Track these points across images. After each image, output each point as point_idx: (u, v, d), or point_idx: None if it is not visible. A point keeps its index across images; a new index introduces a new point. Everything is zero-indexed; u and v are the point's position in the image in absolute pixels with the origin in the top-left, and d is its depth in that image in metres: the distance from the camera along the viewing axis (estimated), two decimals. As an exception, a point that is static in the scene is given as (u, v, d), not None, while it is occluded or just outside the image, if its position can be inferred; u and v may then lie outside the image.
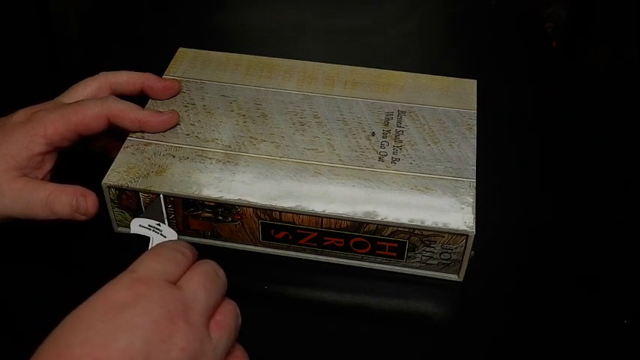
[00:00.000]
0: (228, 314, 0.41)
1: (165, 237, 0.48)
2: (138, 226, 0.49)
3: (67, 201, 0.51)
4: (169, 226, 0.54)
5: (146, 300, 0.38)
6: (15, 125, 0.53)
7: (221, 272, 0.42)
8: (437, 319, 0.53)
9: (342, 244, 0.53)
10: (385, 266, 0.55)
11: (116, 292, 0.38)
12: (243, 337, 0.51)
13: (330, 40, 0.80)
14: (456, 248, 0.52)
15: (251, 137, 0.57)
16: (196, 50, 0.66)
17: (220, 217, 0.54)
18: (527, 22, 0.85)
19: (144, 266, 0.40)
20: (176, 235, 0.48)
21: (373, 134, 0.58)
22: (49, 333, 0.49)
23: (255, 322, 0.52)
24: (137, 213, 0.54)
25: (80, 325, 0.37)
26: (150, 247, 0.48)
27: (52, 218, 0.52)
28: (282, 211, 0.52)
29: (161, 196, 0.52)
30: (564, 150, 0.67)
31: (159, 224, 0.49)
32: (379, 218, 0.51)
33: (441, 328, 0.53)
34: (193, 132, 0.57)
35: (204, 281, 0.40)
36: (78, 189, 0.52)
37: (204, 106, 0.60)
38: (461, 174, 0.55)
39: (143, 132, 0.57)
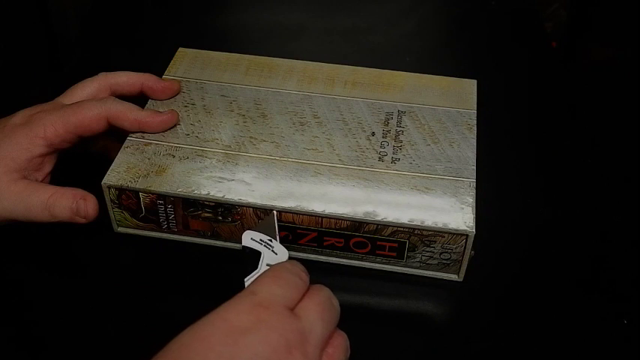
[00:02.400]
0: (339, 347, 0.40)
1: (276, 254, 0.48)
2: (250, 239, 0.49)
3: (67, 204, 0.51)
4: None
5: (266, 327, 0.37)
6: (15, 127, 0.53)
7: (336, 302, 0.41)
8: (437, 319, 0.53)
9: (342, 244, 0.53)
10: (385, 266, 0.55)
11: (237, 314, 0.38)
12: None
13: (330, 40, 0.80)
14: (456, 248, 0.52)
15: (251, 137, 0.57)
16: (196, 50, 0.66)
17: (220, 217, 0.54)
18: (527, 22, 0.85)
19: (265, 289, 0.39)
20: (287, 253, 0.48)
21: (373, 134, 0.58)
22: (49, 333, 0.50)
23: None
24: (137, 213, 0.55)
25: (199, 346, 0.37)
26: (260, 262, 0.47)
27: (52, 221, 0.52)
28: (282, 211, 0.52)
29: (275, 212, 0.52)
30: (564, 150, 0.67)
31: (271, 240, 0.49)
32: (379, 218, 0.51)
33: (441, 328, 0.53)
34: (193, 132, 0.57)
35: (321, 311, 0.40)
36: (78, 192, 0.52)
37: (204, 106, 0.60)
38: (461, 174, 0.55)
39: (143, 132, 0.57)
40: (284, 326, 0.38)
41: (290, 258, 0.47)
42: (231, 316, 0.38)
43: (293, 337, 0.37)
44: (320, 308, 0.40)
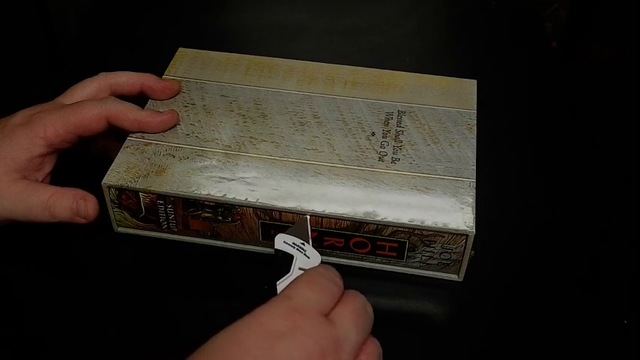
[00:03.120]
0: (372, 355, 0.40)
1: (308, 258, 0.48)
2: (282, 242, 0.49)
3: (67, 204, 0.51)
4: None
5: (302, 333, 0.37)
6: (15, 127, 0.53)
7: (370, 308, 0.41)
8: (437, 319, 0.53)
9: (342, 244, 0.53)
10: (385, 266, 0.55)
11: (272, 318, 0.38)
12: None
13: (330, 40, 0.80)
14: (456, 248, 0.52)
15: (251, 137, 0.57)
16: (196, 50, 0.66)
17: (220, 217, 0.54)
18: (527, 22, 0.85)
19: (300, 294, 0.39)
20: (320, 257, 0.48)
21: (373, 134, 0.58)
22: (49, 333, 0.50)
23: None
24: (137, 213, 0.55)
25: (235, 350, 0.37)
26: (292, 266, 0.47)
27: (52, 221, 0.52)
28: (282, 211, 0.52)
29: (307, 217, 0.52)
30: (564, 150, 0.67)
31: (303, 244, 0.49)
32: (379, 218, 0.51)
33: (441, 328, 0.53)
34: (193, 132, 0.57)
35: (355, 318, 0.40)
36: (78, 192, 0.52)
37: (204, 106, 0.60)
38: (461, 174, 0.55)
39: (143, 132, 0.57)
40: (319, 333, 0.38)
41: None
42: (266, 320, 0.38)
43: (327, 344, 0.37)
44: (354, 315, 0.40)
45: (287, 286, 0.41)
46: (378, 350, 0.41)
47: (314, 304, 0.39)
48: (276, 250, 0.48)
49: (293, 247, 0.48)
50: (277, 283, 0.46)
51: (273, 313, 0.38)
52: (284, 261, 0.47)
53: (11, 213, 0.51)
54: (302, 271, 0.46)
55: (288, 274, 0.46)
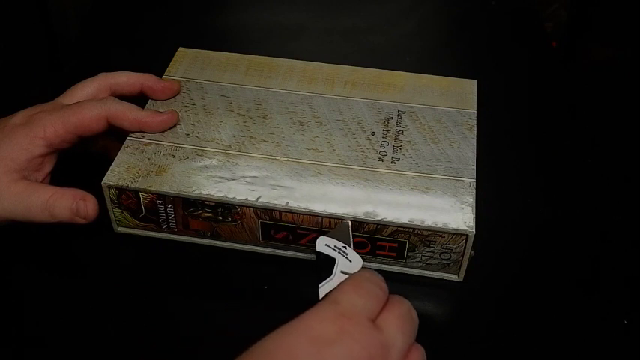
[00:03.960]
0: None
1: (350, 261, 0.48)
2: (324, 245, 0.49)
3: (67, 205, 0.51)
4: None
5: (350, 338, 0.37)
6: (14, 127, 0.53)
7: (415, 314, 0.41)
8: (437, 319, 0.53)
9: (342, 244, 0.54)
10: (385, 266, 0.55)
11: (320, 323, 0.38)
12: (244, 337, 0.51)
13: (330, 40, 0.80)
14: (456, 248, 0.52)
15: (251, 137, 0.57)
16: (196, 50, 0.66)
17: (220, 217, 0.54)
18: (527, 22, 0.85)
19: (347, 299, 0.39)
20: (362, 261, 0.48)
21: (373, 134, 0.58)
22: (49, 333, 0.50)
23: (255, 322, 0.52)
24: (137, 213, 0.55)
25: (284, 354, 0.37)
26: (334, 269, 0.47)
27: (52, 222, 0.52)
28: (282, 211, 0.52)
29: (349, 221, 0.51)
30: (564, 150, 0.67)
31: (345, 247, 0.49)
32: (379, 218, 0.51)
33: (441, 328, 0.53)
34: (193, 132, 0.57)
35: (402, 324, 0.40)
36: (78, 193, 0.52)
37: (204, 106, 0.60)
38: (461, 174, 0.55)
39: (143, 132, 0.57)
40: (367, 338, 0.38)
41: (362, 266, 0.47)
42: (315, 324, 0.38)
43: (375, 350, 0.37)
44: (401, 321, 0.40)
45: (334, 290, 0.41)
46: (423, 357, 0.41)
47: (361, 309, 0.39)
48: (318, 252, 0.48)
49: (335, 250, 0.48)
50: (319, 286, 0.46)
51: (320, 317, 0.38)
52: (325, 264, 0.47)
53: (11, 213, 0.51)
54: (344, 275, 0.46)
55: (329, 278, 0.47)
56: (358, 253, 0.54)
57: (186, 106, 0.60)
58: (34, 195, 0.51)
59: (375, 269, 0.54)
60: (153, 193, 0.53)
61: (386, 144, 0.57)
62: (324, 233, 0.53)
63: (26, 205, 0.51)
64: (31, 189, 0.51)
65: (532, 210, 0.61)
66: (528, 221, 0.60)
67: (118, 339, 0.50)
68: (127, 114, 0.55)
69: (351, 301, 0.39)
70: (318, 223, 0.52)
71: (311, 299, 0.54)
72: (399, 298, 0.41)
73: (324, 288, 0.46)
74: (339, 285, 0.41)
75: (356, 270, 0.47)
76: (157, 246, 0.56)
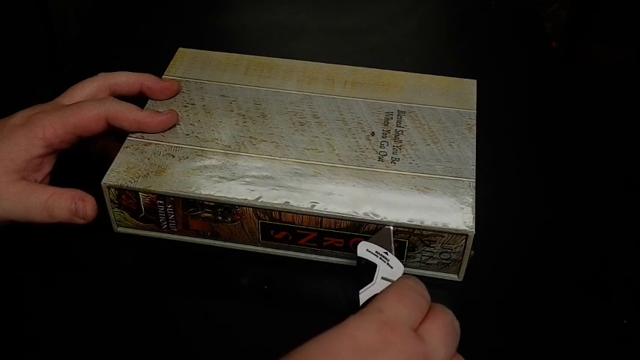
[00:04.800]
0: None
1: (391, 267, 0.47)
2: (365, 250, 0.48)
3: (66, 205, 0.51)
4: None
5: (393, 349, 0.37)
6: (14, 128, 0.53)
7: (457, 325, 0.41)
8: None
9: (341, 244, 0.53)
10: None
11: (364, 332, 0.38)
12: (244, 337, 0.51)
13: (330, 40, 0.80)
14: (456, 248, 0.52)
15: (251, 137, 0.57)
16: (196, 50, 0.66)
17: (220, 217, 0.54)
18: (527, 22, 0.85)
19: (390, 308, 0.39)
20: (402, 267, 0.47)
21: (373, 134, 0.58)
22: (49, 333, 0.50)
23: (255, 322, 0.52)
24: (137, 213, 0.55)
25: None
26: (375, 275, 0.47)
27: (51, 222, 0.52)
28: (281, 211, 0.52)
29: (391, 227, 0.51)
30: (564, 150, 0.67)
31: (386, 253, 0.48)
32: (379, 218, 0.51)
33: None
34: (193, 132, 0.57)
35: (444, 335, 0.40)
36: (77, 193, 0.52)
37: (204, 106, 0.60)
38: (460, 174, 0.55)
39: (142, 132, 0.57)
40: (410, 349, 0.38)
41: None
42: (359, 333, 0.38)
43: None
44: (444, 332, 0.40)
45: (377, 297, 0.40)
46: None
47: (405, 319, 0.39)
48: (359, 258, 0.48)
49: (376, 255, 0.48)
50: (360, 292, 0.46)
51: (364, 326, 0.38)
52: (366, 270, 0.47)
53: (10, 214, 0.51)
54: (385, 281, 0.46)
55: (370, 284, 0.46)
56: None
57: (185, 106, 0.60)
58: (33, 195, 0.51)
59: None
60: (153, 193, 0.53)
61: (386, 144, 0.57)
62: (325, 233, 0.53)
63: (25, 206, 0.51)
64: (30, 189, 0.51)
65: (532, 210, 0.61)
66: (528, 221, 0.60)
67: (118, 339, 0.50)
68: (126, 114, 0.55)
69: (395, 310, 0.39)
70: (317, 223, 0.52)
71: (310, 299, 0.54)
72: (442, 308, 0.41)
73: (364, 294, 0.46)
74: (382, 293, 0.41)
75: (397, 276, 0.46)
76: (157, 246, 0.56)
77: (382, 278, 0.46)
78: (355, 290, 0.46)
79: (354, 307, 0.43)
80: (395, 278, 0.46)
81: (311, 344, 0.38)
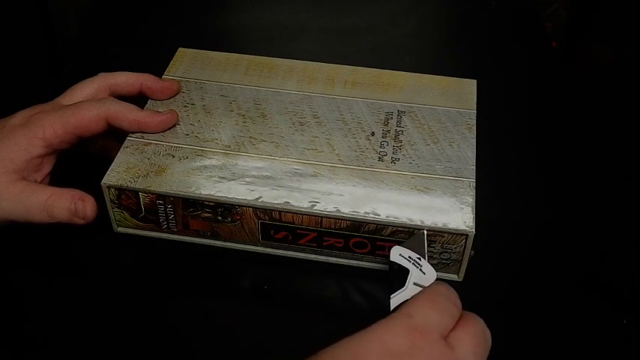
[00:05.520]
0: None
1: (424, 274, 0.46)
2: (398, 255, 0.48)
3: (66, 205, 0.51)
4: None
5: (421, 354, 0.37)
6: (13, 128, 0.53)
7: (488, 334, 0.41)
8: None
9: (341, 244, 0.53)
10: (385, 266, 0.55)
11: (393, 337, 0.38)
12: (244, 337, 0.51)
13: (330, 40, 0.80)
14: (456, 248, 0.52)
15: (251, 137, 0.57)
16: (196, 50, 0.66)
17: (220, 217, 0.54)
18: (527, 22, 0.85)
19: (421, 313, 0.39)
20: (435, 274, 0.46)
21: (373, 134, 0.58)
22: (49, 333, 0.50)
23: (255, 322, 0.52)
24: (137, 213, 0.55)
25: None
26: (407, 281, 0.46)
27: (51, 222, 0.52)
28: (281, 211, 0.52)
29: (424, 231, 0.51)
30: (564, 150, 0.67)
31: (419, 258, 0.47)
32: (379, 218, 0.51)
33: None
34: (193, 132, 0.57)
35: (475, 345, 0.39)
36: (76, 193, 0.52)
37: (204, 106, 0.60)
38: (460, 174, 0.55)
39: (142, 133, 0.57)
40: (438, 356, 0.37)
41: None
42: (388, 338, 0.38)
43: None
44: (474, 341, 0.39)
45: (408, 302, 0.40)
46: None
47: (435, 325, 0.39)
48: (392, 262, 0.47)
49: (409, 260, 0.47)
50: (391, 297, 0.45)
51: (394, 331, 0.38)
52: (399, 275, 0.46)
53: (10, 214, 0.51)
54: (417, 287, 0.45)
55: (402, 289, 0.45)
56: (359, 253, 0.54)
57: (185, 106, 0.60)
58: (32, 195, 0.51)
59: (375, 269, 0.55)
60: (152, 193, 0.53)
61: (385, 144, 0.57)
62: (324, 233, 0.53)
63: (25, 206, 0.51)
64: (30, 189, 0.51)
65: (532, 210, 0.60)
66: (528, 221, 0.60)
67: (118, 339, 0.50)
68: (126, 114, 0.55)
69: (425, 316, 0.39)
70: (317, 223, 0.52)
71: (310, 299, 0.54)
72: (474, 317, 0.41)
73: (395, 299, 0.45)
74: (413, 298, 0.41)
75: (429, 282, 0.46)
76: (157, 246, 0.56)
77: (414, 284, 0.46)
78: (386, 295, 0.46)
79: (384, 312, 0.42)
80: (427, 284, 0.45)
81: (339, 346, 0.38)
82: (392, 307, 0.45)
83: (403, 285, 0.46)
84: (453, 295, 0.41)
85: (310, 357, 0.38)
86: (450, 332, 0.39)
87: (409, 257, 0.47)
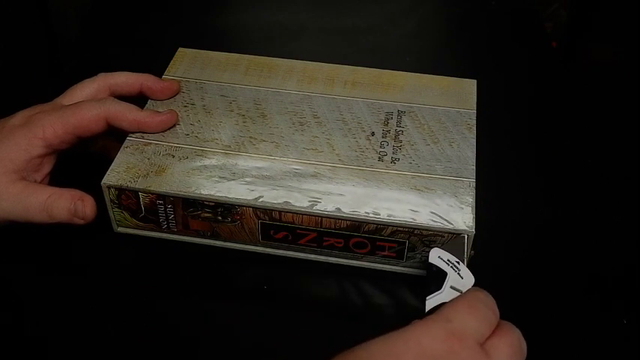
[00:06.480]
0: None
1: (462, 278, 0.46)
2: (437, 257, 0.47)
3: (65, 205, 0.51)
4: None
5: (457, 359, 0.37)
6: (13, 128, 0.53)
7: (524, 345, 0.41)
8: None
9: (341, 245, 0.53)
10: (385, 266, 0.55)
11: (431, 340, 0.37)
12: (244, 337, 0.51)
13: (330, 40, 0.80)
14: (456, 248, 0.52)
15: (250, 137, 0.57)
16: (196, 50, 0.66)
17: (220, 217, 0.54)
18: (527, 22, 0.85)
19: (459, 318, 0.39)
20: (473, 279, 0.46)
21: (373, 134, 0.58)
22: (49, 333, 0.50)
23: (255, 322, 0.52)
24: (137, 213, 0.55)
25: None
26: (445, 284, 0.46)
27: (51, 222, 0.52)
28: (281, 211, 0.52)
29: (466, 235, 0.51)
30: (564, 150, 0.67)
31: (458, 262, 0.47)
32: (379, 218, 0.51)
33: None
34: (193, 132, 0.57)
35: (511, 354, 0.39)
36: (76, 193, 0.52)
37: (204, 106, 0.60)
38: (460, 174, 0.55)
39: (142, 133, 0.57)
40: None
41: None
42: (425, 340, 0.37)
43: None
44: (511, 350, 0.39)
45: (446, 306, 0.40)
46: None
47: (472, 332, 0.38)
48: (430, 264, 0.47)
49: (448, 264, 0.47)
50: (427, 298, 0.45)
51: (432, 334, 0.38)
52: (436, 277, 0.46)
53: (9, 214, 0.51)
54: (453, 291, 0.45)
55: (439, 292, 0.45)
56: (359, 253, 0.54)
57: (185, 106, 0.60)
58: (32, 195, 0.51)
59: (375, 269, 0.55)
60: (152, 193, 0.53)
61: (385, 144, 0.57)
62: (324, 233, 0.53)
63: (24, 206, 0.51)
64: (30, 189, 0.51)
65: (532, 210, 0.60)
66: (528, 221, 0.60)
67: (117, 339, 0.50)
68: (126, 114, 0.55)
69: (464, 321, 0.39)
70: (317, 223, 0.52)
71: (310, 299, 0.54)
72: (511, 326, 0.41)
73: (431, 301, 0.45)
74: (452, 302, 0.40)
75: (466, 287, 0.46)
76: (157, 246, 0.56)
77: (451, 287, 0.46)
78: (423, 296, 0.45)
79: (418, 314, 0.42)
80: (464, 289, 0.45)
81: (375, 343, 0.38)
82: (427, 309, 0.45)
83: (440, 288, 0.45)
84: (491, 302, 0.41)
85: (345, 351, 0.38)
86: (487, 340, 0.39)
87: (448, 260, 0.47)
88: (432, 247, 0.48)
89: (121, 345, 0.50)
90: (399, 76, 0.64)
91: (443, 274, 0.46)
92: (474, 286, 0.46)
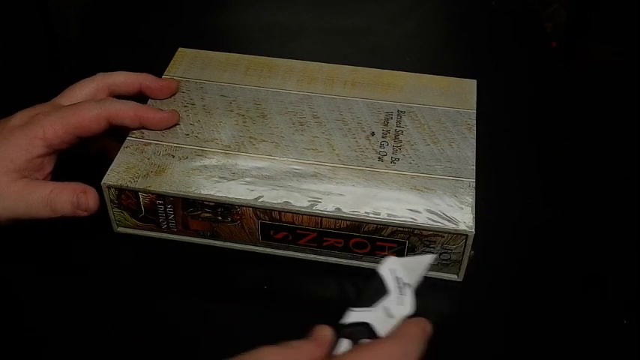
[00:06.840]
0: None
1: (401, 305, 0.42)
2: (388, 269, 0.42)
3: (68, 198, 0.51)
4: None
5: None
6: (13, 128, 0.53)
7: None
8: (436, 319, 0.53)
9: (341, 245, 0.53)
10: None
11: None
12: (244, 337, 0.51)
13: (330, 40, 0.80)
14: (456, 248, 0.52)
15: (250, 137, 0.57)
16: (196, 50, 0.66)
17: (220, 218, 0.54)
18: (527, 22, 0.85)
19: None
20: (411, 309, 0.42)
21: (373, 134, 0.58)
22: (49, 333, 0.50)
23: (254, 322, 0.52)
24: (137, 213, 0.55)
25: None
26: (379, 302, 0.41)
27: (54, 216, 0.52)
28: (281, 211, 0.52)
29: (434, 256, 0.46)
30: (564, 150, 0.67)
31: (408, 285, 0.42)
32: (379, 218, 0.51)
33: (441, 328, 0.53)
34: (193, 132, 0.57)
35: None
36: (78, 186, 0.52)
37: (204, 106, 0.60)
38: (460, 174, 0.55)
39: (144, 129, 0.57)
40: None
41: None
42: None
43: None
44: None
45: (359, 348, 0.38)
46: None
47: None
48: (376, 272, 0.42)
49: (396, 282, 0.42)
50: (351, 309, 0.41)
51: None
52: (375, 291, 0.41)
53: (13, 212, 0.51)
54: (384, 315, 0.41)
55: (367, 308, 0.41)
56: (359, 253, 0.54)
57: (185, 106, 0.60)
58: (34, 192, 0.51)
59: (375, 269, 0.55)
60: (152, 193, 0.53)
61: (385, 144, 0.57)
62: (324, 233, 0.53)
63: (27, 203, 0.51)
64: (31, 186, 0.51)
65: (532, 210, 0.60)
66: (528, 221, 0.60)
67: (117, 339, 0.50)
68: (127, 111, 0.55)
69: None
70: (317, 223, 0.52)
71: (310, 300, 0.54)
72: None
73: (354, 315, 0.41)
74: (367, 344, 0.38)
75: (400, 316, 0.41)
76: (157, 246, 0.56)
77: (384, 308, 0.41)
78: (350, 305, 0.42)
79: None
80: (396, 317, 0.41)
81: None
82: (347, 321, 0.41)
83: (371, 305, 0.41)
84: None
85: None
86: None
87: (398, 278, 0.42)
88: (389, 256, 0.43)
89: (121, 345, 0.50)
90: (398, 76, 0.64)
91: (382, 291, 0.41)
92: (410, 317, 0.42)
